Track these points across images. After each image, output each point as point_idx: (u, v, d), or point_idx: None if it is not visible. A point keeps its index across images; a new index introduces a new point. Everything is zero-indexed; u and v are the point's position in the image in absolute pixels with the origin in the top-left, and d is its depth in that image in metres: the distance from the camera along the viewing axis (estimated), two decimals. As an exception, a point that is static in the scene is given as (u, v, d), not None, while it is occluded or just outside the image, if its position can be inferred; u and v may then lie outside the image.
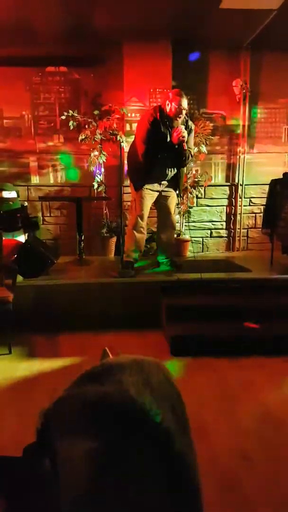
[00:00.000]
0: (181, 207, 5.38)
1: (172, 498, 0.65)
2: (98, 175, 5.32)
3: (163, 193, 4.17)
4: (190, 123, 4.09)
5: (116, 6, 4.32)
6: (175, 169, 4.08)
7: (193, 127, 4.16)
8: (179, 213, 5.41)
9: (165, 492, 0.64)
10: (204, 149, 5.25)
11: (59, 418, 0.71)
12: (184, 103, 3.82)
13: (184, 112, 3.86)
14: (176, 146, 3.86)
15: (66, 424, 0.69)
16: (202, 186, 5.56)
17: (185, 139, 3.85)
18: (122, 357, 0.88)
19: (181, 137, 3.81)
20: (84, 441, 0.63)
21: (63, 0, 4.20)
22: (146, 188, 4.06)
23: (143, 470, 0.63)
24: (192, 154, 4.18)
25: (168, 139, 3.86)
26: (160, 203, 4.23)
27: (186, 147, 3.89)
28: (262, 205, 5.28)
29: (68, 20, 4.60)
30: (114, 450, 0.63)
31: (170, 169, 4.05)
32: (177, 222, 4.52)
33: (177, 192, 4.31)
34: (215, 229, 5.90)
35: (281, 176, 4.61)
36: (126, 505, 0.59)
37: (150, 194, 4.10)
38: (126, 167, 4.83)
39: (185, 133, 3.84)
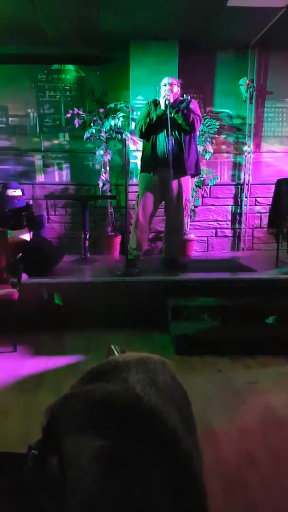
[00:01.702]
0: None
1: (177, 496, 0.64)
2: (103, 174, 5.31)
3: (168, 189, 4.12)
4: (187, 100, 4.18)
5: (123, 5, 4.30)
6: (179, 140, 3.99)
7: (193, 100, 4.20)
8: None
9: (170, 490, 0.63)
10: (210, 148, 5.24)
11: (65, 415, 0.70)
12: (170, 79, 4.02)
13: (173, 88, 4.00)
14: (168, 111, 3.87)
15: (73, 422, 0.69)
16: (208, 185, 5.55)
17: (171, 98, 3.92)
18: (128, 356, 0.88)
19: (167, 96, 3.90)
20: (92, 440, 0.63)
21: (70, 0, 4.20)
22: (149, 179, 4.06)
23: (149, 469, 0.63)
24: (198, 116, 4.05)
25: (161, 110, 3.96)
26: (166, 201, 4.21)
27: (177, 108, 3.92)
28: (268, 204, 5.25)
29: (75, 19, 4.60)
30: (121, 449, 0.62)
31: (171, 134, 3.94)
32: (184, 219, 4.41)
33: (185, 169, 4.03)
34: (221, 228, 5.87)
35: (287, 176, 4.58)
36: (133, 503, 0.59)
37: (153, 189, 4.08)
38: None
39: (171, 96, 3.94)
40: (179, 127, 3.97)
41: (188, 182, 4.17)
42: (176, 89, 4.09)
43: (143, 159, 4.20)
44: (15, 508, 0.73)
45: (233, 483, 1.82)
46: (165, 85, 4.04)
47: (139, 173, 4.28)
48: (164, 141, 4.00)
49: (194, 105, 4.09)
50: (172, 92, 4.01)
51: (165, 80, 4.07)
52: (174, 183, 4.05)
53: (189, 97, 4.26)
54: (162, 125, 3.96)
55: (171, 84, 4.03)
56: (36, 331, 3.53)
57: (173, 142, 3.98)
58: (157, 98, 4.14)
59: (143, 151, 4.21)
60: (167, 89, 4.00)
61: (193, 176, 4.22)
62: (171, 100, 3.95)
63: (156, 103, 4.11)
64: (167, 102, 3.90)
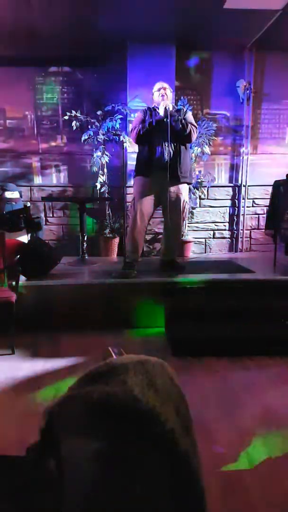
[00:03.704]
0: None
1: (176, 498, 0.65)
2: (101, 176, 5.32)
3: (165, 193, 4.12)
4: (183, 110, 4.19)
5: (120, 7, 4.32)
6: (175, 147, 3.99)
7: (188, 111, 4.23)
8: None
9: (169, 492, 0.64)
10: (207, 149, 5.25)
11: (64, 417, 0.70)
12: (163, 84, 4.07)
13: (167, 92, 4.04)
14: (165, 120, 3.88)
15: (71, 424, 0.69)
16: (205, 186, 5.56)
17: (169, 106, 3.93)
18: (126, 357, 0.88)
19: (165, 106, 3.90)
20: (90, 442, 0.63)
21: (67, 1, 4.20)
22: (145, 182, 4.06)
23: (148, 471, 0.63)
24: (195, 127, 4.07)
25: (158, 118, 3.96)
26: (164, 204, 4.21)
27: (176, 117, 3.92)
28: (265, 206, 5.26)
29: (72, 21, 4.61)
30: (120, 451, 0.62)
31: (169, 140, 3.92)
32: (183, 221, 4.42)
33: (180, 175, 4.04)
34: (218, 230, 5.88)
35: (284, 177, 4.59)
36: (132, 506, 0.59)
37: (149, 192, 4.08)
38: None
39: (169, 103, 3.96)
40: (176, 135, 3.97)
41: (185, 185, 4.19)
42: (170, 93, 4.11)
43: (138, 163, 4.18)
44: (15, 509, 0.73)
45: (231, 484, 1.82)
46: (158, 90, 4.05)
47: (134, 176, 4.26)
48: (161, 146, 3.99)
49: (190, 115, 4.13)
50: (167, 96, 4.03)
51: (158, 85, 4.09)
52: (172, 187, 4.06)
53: (185, 107, 4.28)
54: (160, 131, 3.94)
55: (165, 89, 4.04)
56: (34, 333, 3.52)
57: (170, 149, 3.98)
58: (152, 102, 4.16)
59: (138, 155, 4.19)
60: (162, 94, 4.01)
61: (187, 184, 4.25)
62: (171, 108, 3.95)
63: (152, 110, 4.10)
64: (167, 108, 3.90)
